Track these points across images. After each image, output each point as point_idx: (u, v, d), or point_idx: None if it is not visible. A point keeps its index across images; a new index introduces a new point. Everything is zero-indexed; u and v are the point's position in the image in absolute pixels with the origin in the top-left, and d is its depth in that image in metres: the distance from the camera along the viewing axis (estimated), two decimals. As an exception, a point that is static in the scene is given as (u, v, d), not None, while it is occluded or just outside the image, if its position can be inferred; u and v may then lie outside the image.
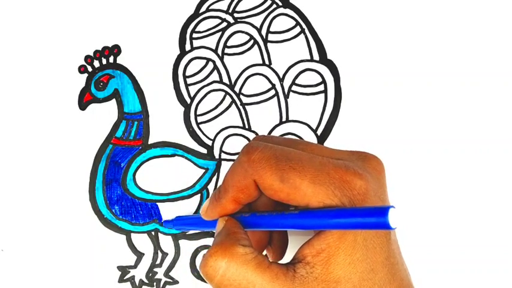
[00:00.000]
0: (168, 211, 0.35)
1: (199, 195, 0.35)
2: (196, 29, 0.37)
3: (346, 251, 0.22)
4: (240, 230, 0.26)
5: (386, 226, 0.18)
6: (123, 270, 0.35)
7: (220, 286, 0.23)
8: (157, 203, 0.36)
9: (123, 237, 0.35)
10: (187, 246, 0.35)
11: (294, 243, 0.33)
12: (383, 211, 0.18)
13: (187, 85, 0.37)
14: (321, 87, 0.36)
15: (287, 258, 0.25)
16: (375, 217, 0.19)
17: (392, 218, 0.18)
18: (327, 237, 0.23)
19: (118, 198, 0.36)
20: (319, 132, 0.35)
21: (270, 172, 0.24)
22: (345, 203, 0.22)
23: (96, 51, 0.38)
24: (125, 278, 0.35)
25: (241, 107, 0.36)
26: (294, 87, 0.36)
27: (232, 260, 0.23)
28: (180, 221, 0.34)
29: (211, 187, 0.35)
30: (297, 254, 0.24)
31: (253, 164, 0.24)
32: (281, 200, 0.24)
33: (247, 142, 0.27)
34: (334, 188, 0.23)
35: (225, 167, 0.36)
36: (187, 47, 0.37)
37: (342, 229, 0.22)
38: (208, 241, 0.35)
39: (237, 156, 0.35)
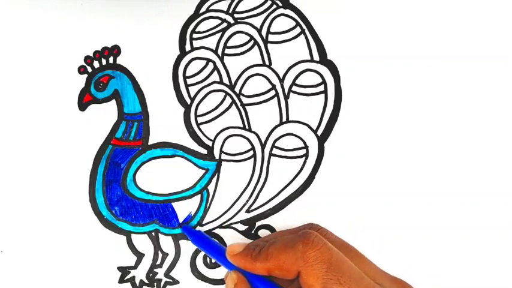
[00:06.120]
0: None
1: (199, 195, 0.36)
2: (197, 30, 0.37)
3: None
4: None
5: None
6: (124, 270, 0.35)
7: None
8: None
9: (124, 237, 0.35)
10: (188, 247, 0.35)
11: None
12: None
13: (187, 86, 0.37)
14: (321, 88, 0.36)
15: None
16: None
17: None
18: None
19: (118, 199, 0.36)
20: (319, 132, 0.35)
21: (317, 275, 0.25)
22: None
23: (95, 52, 0.38)
24: (125, 279, 0.35)
25: (241, 108, 0.36)
26: (294, 88, 0.36)
27: None
28: (199, 237, 0.34)
29: (211, 187, 0.35)
30: None
31: (307, 259, 0.25)
32: None
33: (306, 232, 0.27)
34: None
35: (225, 167, 0.36)
36: (188, 48, 0.37)
37: None
38: (209, 241, 0.35)
39: (238, 156, 0.36)
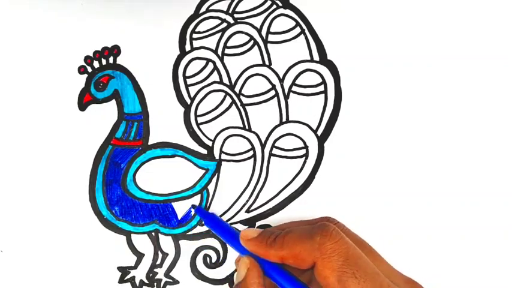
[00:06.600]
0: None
1: (199, 195, 0.36)
2: (196, 30, 0.37)
3: None
4: (260, 287, 0.27)
5: None
6: (124, 270, 0.35)
7: None
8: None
9: (123, 237, 0.35)
10: (188, 247, 0.35)
11: None
12: None
13: (187, 86, 0.37)
14: (321, 88, 0.36)
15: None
16: None
17: None
18: None
19: (118, 199, 0.36)
20: (319, 132, 0.35)
21: (333, 267, 0.25)
22: None
23: (95, 52, 0.38)
24: (125, 279, 0.35)
25: (241, 108, 0.36)
26: (294, 88, 0.36)
27: None
28: (213, 220, 0.34)
29: (211, 187, 0.35)
30: None
31: (324, 250, 0.25)
32: None
33: (326, 223, 0.27)
34: None
35: (225, 167, 0.36)
36: (187, 48, 0.37)
37: None
38: (209, 241, 0.35)
39: (238, 156, 0.36)
